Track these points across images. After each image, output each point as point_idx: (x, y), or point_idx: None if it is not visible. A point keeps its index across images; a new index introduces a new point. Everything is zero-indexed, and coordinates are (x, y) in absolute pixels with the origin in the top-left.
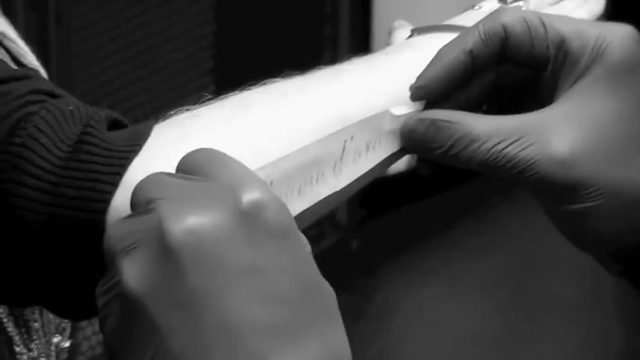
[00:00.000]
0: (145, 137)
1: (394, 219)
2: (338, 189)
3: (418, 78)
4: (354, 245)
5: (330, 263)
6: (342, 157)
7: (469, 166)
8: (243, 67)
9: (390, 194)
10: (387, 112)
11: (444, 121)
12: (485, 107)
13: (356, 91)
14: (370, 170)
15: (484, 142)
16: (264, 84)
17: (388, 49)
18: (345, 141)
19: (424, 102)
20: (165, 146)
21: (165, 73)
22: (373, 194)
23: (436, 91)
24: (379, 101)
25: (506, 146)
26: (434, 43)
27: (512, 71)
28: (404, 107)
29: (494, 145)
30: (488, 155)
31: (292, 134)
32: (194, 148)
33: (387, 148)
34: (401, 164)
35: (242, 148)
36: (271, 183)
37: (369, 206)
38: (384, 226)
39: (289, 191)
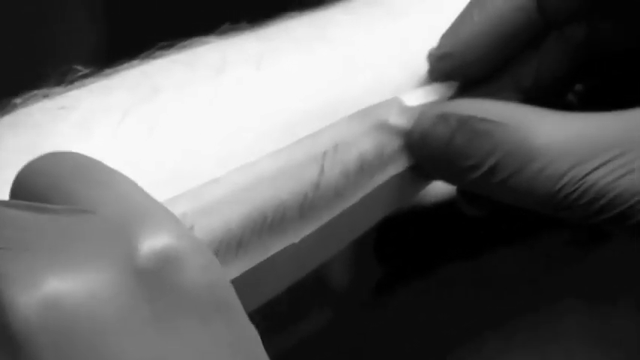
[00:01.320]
0: None
1: (430, 284)
2: (301, 238)
3: (442, 39)
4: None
5: None
6: (317, 184)
7: (528, 205)
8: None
9: (422, 240)
10: (394, 99)
11: (484, 120)
12: (579, 90)
13: (352, 58)
14: (368, 204)
15: (553, 161)
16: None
17: None
18: (325, 153)
19: (455, 84)
20: (4, 166)
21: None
22: (395, 240)
23: (474, 62)
24: (387, 80)
25: (593, 170)
26: None
27: (617, 27)
28: (422, 92)
29: (572, 168)
30: (559, 185)
31: (233, 137)
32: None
33: (395, 165)
34: (436, 187)
35: (144, 159)
36: (192, 227)
37: (390, 261)
38: (413, 300)
39: (224, 242)
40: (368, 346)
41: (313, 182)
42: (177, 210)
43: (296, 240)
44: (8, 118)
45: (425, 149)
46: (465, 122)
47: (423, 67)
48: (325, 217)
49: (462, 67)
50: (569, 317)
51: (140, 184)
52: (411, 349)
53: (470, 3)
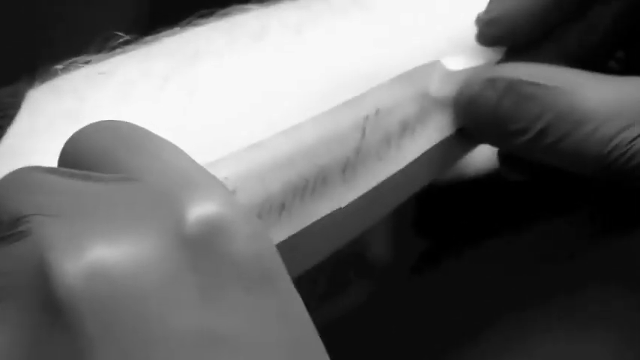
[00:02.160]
0: (11, 113)
1: (473, 257)
2: (347, 203)
3: (490, 3)
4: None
5: (353, 334)
6: (359, 148)
7: (577, 168)
8: None
9: (462, 212)
10: (436, 63)
11: (532, 83)
12: (620, 57)
13: (393, 24)
14: (411, 170)
15: (603, 124)
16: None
17: None
18: (367, 118)
19: (502, 50)
20: (45, 131)
21: None
22: (435, 213)
23: (522, 27)
24: (429, 44)
25: None
26: None
27: None
28: (465, 57)
29: (622, 130)
30: (609, 147)
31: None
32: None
33: (438, 130)
34: (476, 160)
35: (185, 124)
36: (234, 191)
37: (429, 234)
38: (455, 270)
39: (266, 206)
40: (407, 320)
41: (355, 147)
42: (218, 174)
43: (339, 205)
44: (49, 84)
45: (473, 114)
46: (513, 86)
47: (468, 31)
48: (368, 183)
49: (510, 32)
50: (599, 303)
51: (183, 144)
52: (445, 325)
53: None
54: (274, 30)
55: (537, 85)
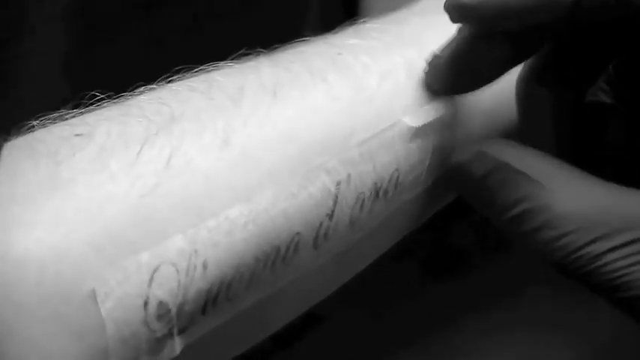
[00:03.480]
0: None
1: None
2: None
3: None
4: None
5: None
6: (331, 214)
7: (544, 258)
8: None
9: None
10: (399, 124)
11: (517, 171)
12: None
13: (363, 87)
14: (381, 231)
15: (570, 233)
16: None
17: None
18: (338, 183)
19: (455, 103)
20: (22, 201)
21: None
22: None
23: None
24: (399, 103)
25: (610, 249)
26: None
27: None
28: (423, 112)
29: (589, 244)
30: (574, 256)
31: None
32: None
33: (410, 188)
34: None
35: (161, 191)
36: (204, 261)
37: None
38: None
39: (236, 277)
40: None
41: (327, 213)
42: (190, 246)
43: (309, 270)
44: (26, 143)
45: (459, 181)
46: (499, 167)
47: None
48: (340, 247)
49: (479, 13)
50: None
51: (158, 216)
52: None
53: None
54: (251, 92)
55: (522, 174)
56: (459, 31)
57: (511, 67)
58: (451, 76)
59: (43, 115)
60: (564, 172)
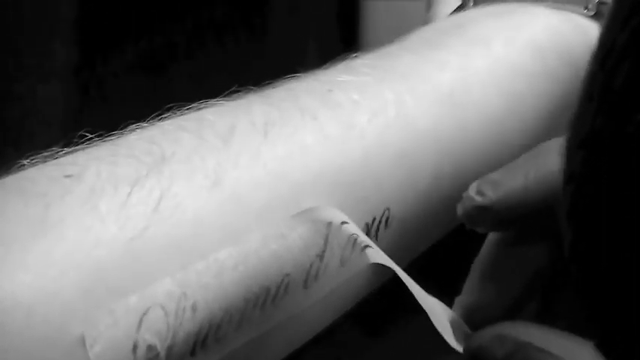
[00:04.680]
0: None
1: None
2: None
3: (486, 186)
4: None
5: None
6: (321, 255)
7: None
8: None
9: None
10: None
11: (541, 350)
12: None
13: (354, 124)
14: (370, 271)
15: None
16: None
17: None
18: (329, 225)
19: None
20: (11, 242)
21: None
22: None
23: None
24: (391, 140)
25: None
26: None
27: None
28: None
29: None
30: None
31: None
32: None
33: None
34: None
35: (152, 233)
36: (193, 304)
37: None
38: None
39: (226, 318)
40: None
41: (318, 254)
42: (179, 289)
43: (298, 311)
44: (16, 183)
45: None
46: (521, 348)
47: (428, 126)
48: (330, 287)
49: (500, 224)
50: None
51: (147, 258)
52: None
53: (523, 158)
54: (242, 131)
55: (546, 353)
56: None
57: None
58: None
59: (33, 154)
60: (586, 349)
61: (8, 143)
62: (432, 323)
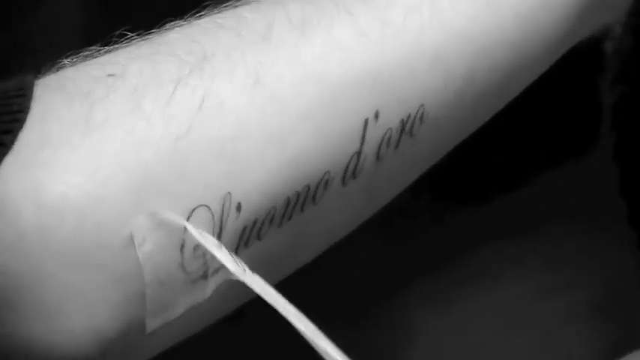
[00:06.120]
0: (20, 117)
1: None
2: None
3: None
4: None
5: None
6: (359, 152)
7: None
8: None
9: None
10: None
11: None
12: None
13: (391, 22)
14: None
15: None
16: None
17: None
18: (367, 121)
19: None
20: (57, 143)
21: None
22: None
23: None
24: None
25: None
26: None
27: None
28: None
29: None
30: None
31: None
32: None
33: None
34: None
35: (197, 132)
36: (238, 204)
37: None
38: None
39: (269, 217)
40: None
41: (356, 151)
42: (221, 190)
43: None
44: (58, 82)
45: None
46: None
47: (463, 26)
48: (367, 183)
49: None
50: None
51: (192, 160)
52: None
53: None
54: (280, 29)
55: None
56: None
57: None
58: None
59: (74, 54)
60: None
61: (27, 55)
62: None
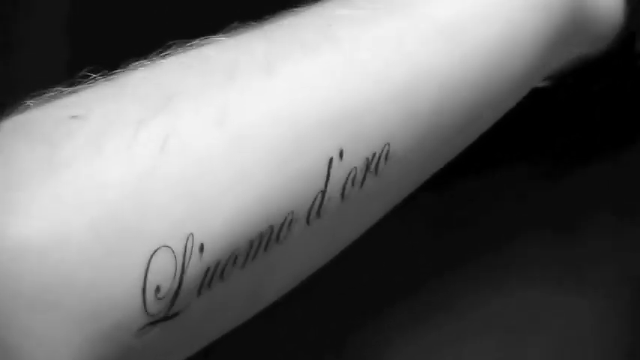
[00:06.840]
0: None
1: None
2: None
3: None
4: None
5: None
6: (324, 191)
7: None
8: None
9: None
10: None
11: None
12: None
13: (356, 60)
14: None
15: None
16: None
17: None
18: (331, 160)
19: None
20: (19, 185)
21: None
22: None
23: None
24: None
25: None
26: None
27: None
28: None
29: None
30: None
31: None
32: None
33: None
34: None
35: (158, 174)
36: (201, 245)
37: None
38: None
39: (232, 258)
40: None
41: (321, 189)
42: (184, 230)
43: (301, 248)
44: (21, 124)
45: None
46: None
47: (429, 62)
48: (332, 222)
49: None
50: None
51: (156, 198)
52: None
53: None
54: (245, 67)
55: None
56: None
57: None
58: None
59: (38, 94)
60: None
61: (7, 47)
62: None
